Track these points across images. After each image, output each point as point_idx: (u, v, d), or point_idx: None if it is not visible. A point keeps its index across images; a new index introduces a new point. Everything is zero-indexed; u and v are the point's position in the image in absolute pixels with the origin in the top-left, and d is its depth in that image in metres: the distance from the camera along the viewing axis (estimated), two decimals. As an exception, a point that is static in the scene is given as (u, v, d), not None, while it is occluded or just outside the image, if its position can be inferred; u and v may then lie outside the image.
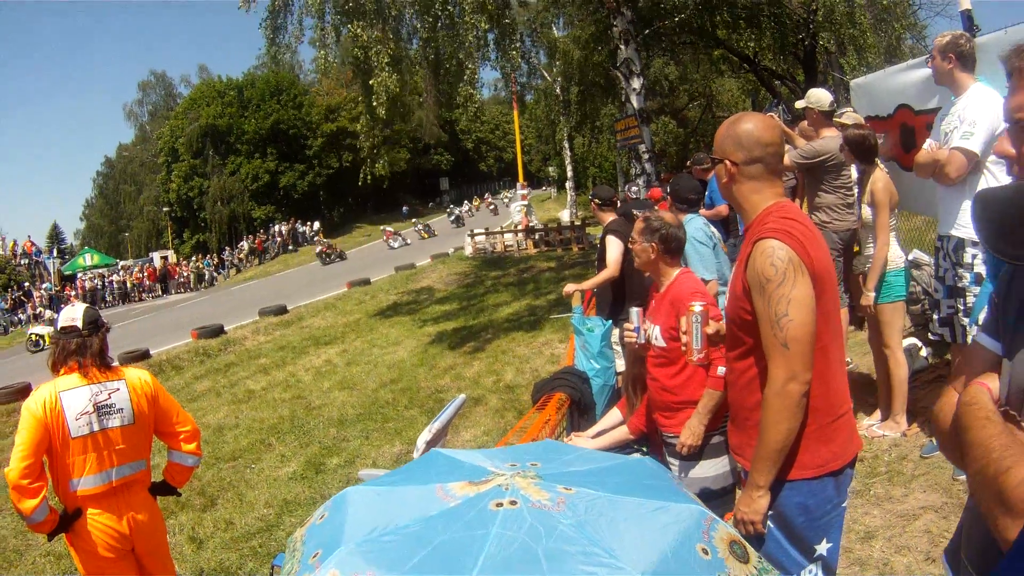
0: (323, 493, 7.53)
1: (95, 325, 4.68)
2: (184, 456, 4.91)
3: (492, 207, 53.59)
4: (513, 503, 2.12)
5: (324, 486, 7.85)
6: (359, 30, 14.81)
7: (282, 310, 20.66)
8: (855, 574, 4.51)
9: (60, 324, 4.68)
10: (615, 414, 4.83)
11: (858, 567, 4.56)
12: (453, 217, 48.64)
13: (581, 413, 6.04)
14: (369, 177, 17.77)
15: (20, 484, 4.32)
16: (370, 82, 15.34)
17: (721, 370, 3.67)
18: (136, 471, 4.67)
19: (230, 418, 11.30)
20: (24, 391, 15.04)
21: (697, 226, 6.28)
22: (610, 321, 6.92)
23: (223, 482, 8.67)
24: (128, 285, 46.46)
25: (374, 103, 15.44)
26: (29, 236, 53.96)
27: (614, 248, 7.34)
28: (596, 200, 7.99)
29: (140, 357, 16.70)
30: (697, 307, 3.62)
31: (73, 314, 4.69)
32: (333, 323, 17.84)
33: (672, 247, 4.19)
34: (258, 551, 6.78)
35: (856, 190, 6.62)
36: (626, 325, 4.31)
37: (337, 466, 8.41)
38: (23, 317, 43.88)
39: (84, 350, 4.57)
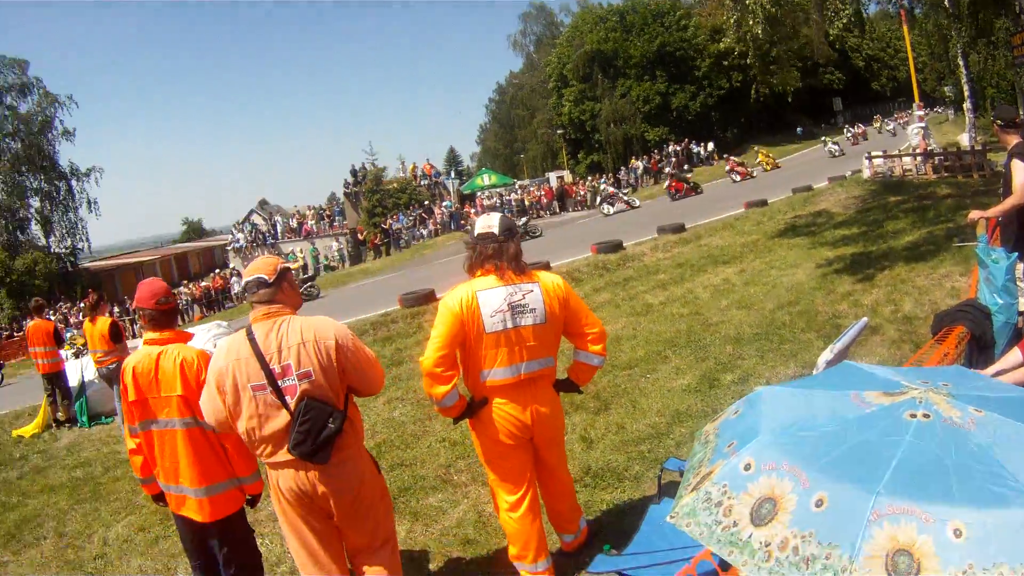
0: (715, 407, 7.60)
1: (510, 232, 5.00)
2: (590, 356, 5.13)
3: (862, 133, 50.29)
4: (926, 416, 2.21)
5: (717, 401, 7.90)
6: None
7: (680, 228, 20.62)
8: None
9: (477, 231, 5.04)
10: (1015, 355, 4.49)
11: None
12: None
13: (980, 350, 5.71)
14: (763, 95, 17.50)
15: (434, 371, 4.79)
16: (746, 1, 15.13)
17: None
18: (544, 367, 4.97)
19: (628, 329, 11.63)
20: (428, 296, 16.46)
21: None
22: (1015, 254, 6.49)
23: (617, 388, 8.98)
24: (526, 203, 48.42)
25: (750, 22, 15.22)
26: (428, 159, 57.73)
27: (1021, 173, 6.87)
28: (998, 121, 7.46)
29: (541, 269, 17.20)
30: None
31: (489, 222, 5.04)
32: (731, 243, 17.72)
33: None
34: (646, 456, 6.97)
35: None
36: None
37: (731, 382, 8.43)
38: (424, 232, 47.38)
39: (500, 254, 4.89)
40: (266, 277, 4.41)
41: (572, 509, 5.52)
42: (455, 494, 7.02)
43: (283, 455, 4.30)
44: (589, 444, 7.52)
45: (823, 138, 48.80)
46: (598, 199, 39.49)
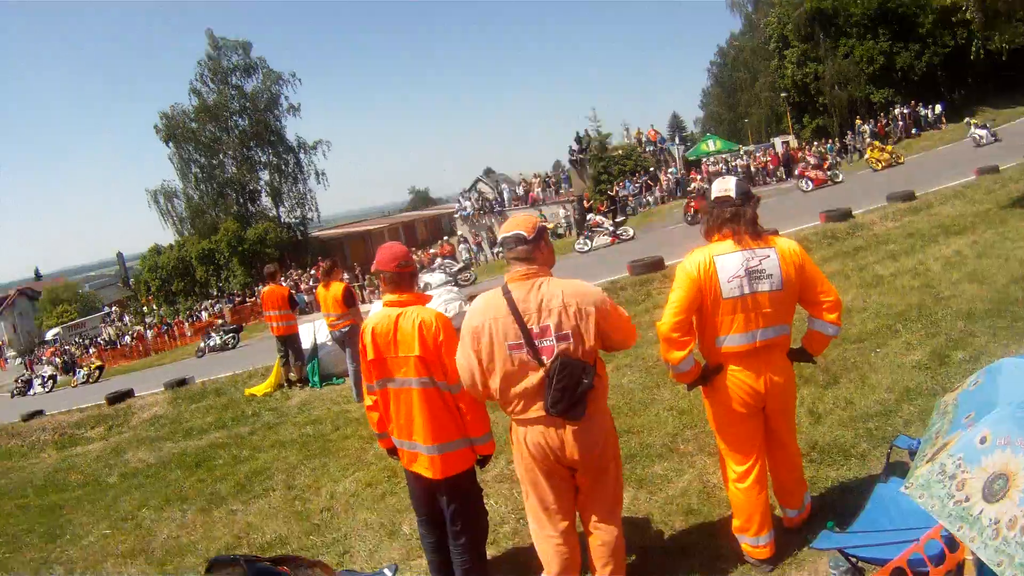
0: (944, 386, 7.24)
1: (747, 196, 4.94)
2: (825, 325, 5.01)
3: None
4: None
5: (947, 379, 7.55)
6: None
7: (910, 196, 19.61)
8: None
9: (714, 195, 5.02)
10: None
11: None
12: None
13: None
14: (981, 52, 16.50)
15: (671, 336, 4.81)
16: None
17: None
18: (779, 335, 4.91)
19: (857, 301, 11.27)
20: (656, 264, 16.40)
21: None
22: None
23: (847, 362, 8.71)
24: (752, 169, 47.34)
25: None
26: (652, 125, 57.13)
27: None
28: None
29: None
30: None
31: (726, 185, 4.99)
32: (962, 212, 16.70)
33: None
34: (874, 433, 6.78)
35: None
36: None
37: (962, 360, 8.04)
38: (650, 199, 47.14)
39: (738, 218, 4.85)
40: (525, 234, 4.54)
41: (798, 483, 5.46)
42: (681, 463, 7.03)
43: (534, 412, 4.45)
44: (817, 418, 7.39)
45: (967, 120, 39.95)
46: (577, 234, 35.57)
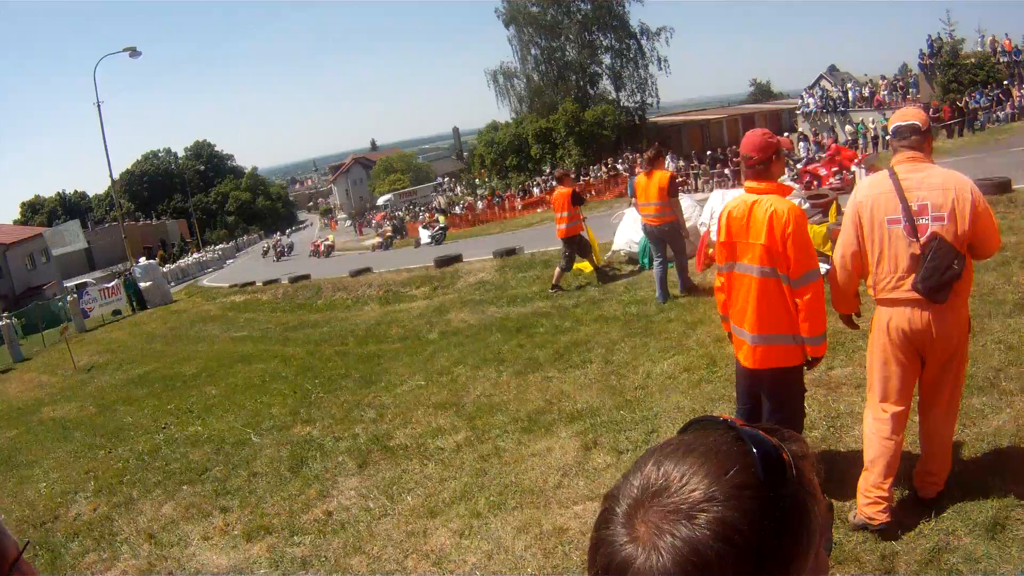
0: None
1: None
2: None
3: None
4: None
5: None
6: None
7: None
8: None
9: None
10: None
11: None
12: None
13: None
14: None
15: None
16: None
17: None
18: None
19: None
20: (1003, 185, 15.06)
21: None
22: None
23: None
24: None
25: None
26: (1007, 34, 51.33)
27: None
28: None
29: None
30: None
31: None
32: None
33: None
34: None
35: None
36: None
37: None
38: (1001, 115, 43.14)
39: None
40: (920, 124, 4.66)
41: None
42: (999, 401, 6.50)
43: (903, 292, 4.54)
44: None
45: None
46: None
